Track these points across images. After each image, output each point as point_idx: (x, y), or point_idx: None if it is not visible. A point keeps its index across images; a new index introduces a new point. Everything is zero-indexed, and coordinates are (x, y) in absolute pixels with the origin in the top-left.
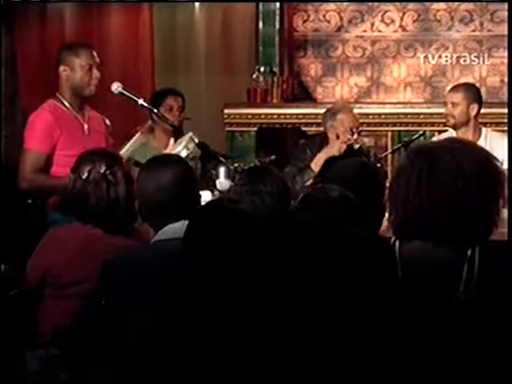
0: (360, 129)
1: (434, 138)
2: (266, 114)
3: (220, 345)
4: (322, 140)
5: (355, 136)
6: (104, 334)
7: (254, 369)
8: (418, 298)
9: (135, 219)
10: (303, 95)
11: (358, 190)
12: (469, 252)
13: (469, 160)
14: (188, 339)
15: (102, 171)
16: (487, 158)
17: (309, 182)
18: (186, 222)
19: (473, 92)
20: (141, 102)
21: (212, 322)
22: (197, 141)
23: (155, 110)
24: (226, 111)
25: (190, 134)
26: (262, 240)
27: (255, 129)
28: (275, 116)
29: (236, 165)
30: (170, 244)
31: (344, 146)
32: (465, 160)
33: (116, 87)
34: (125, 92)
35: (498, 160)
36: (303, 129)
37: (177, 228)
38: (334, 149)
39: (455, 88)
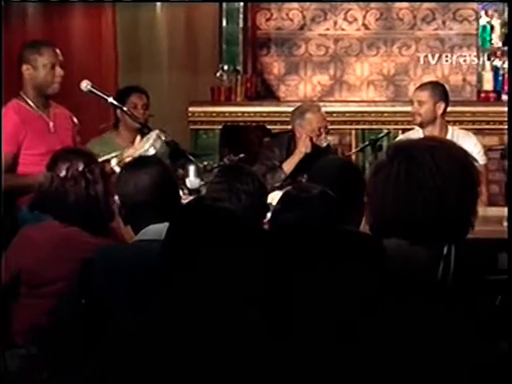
0: (328, 128)
1: (401, 137)
2: (230, 112)
3: (201, 344)
4: (289, 139)
5: (323, 135)
6: (85, 333)
7: (237, 368)
8: (395, 296)
9: (112, 218)
10: (266, 93)
11: (339, 189)
12: (445, 250)
13: (447, 159)
14: (170, 339)
15: (80, 169)
16: (465, 157)
17: (277, 184)
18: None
19: (439, 90)
20: (110, 99)
21: (196, 322)
22: (164, 138)
23: (124, 108)
24: (190, 109)
25: (157, 131)
26: (247, 239)
27: (219, 127)
28: (239, 114)
29: (205, 163)
30: (152, 245)
31: (309, 143)
32: (443, 159)
33: (85, 85)
34: (94, 90)
35: (475, 159)
36: (268, 127)
37: (159, 229)
38: (302, 149)
39: (422, 86)
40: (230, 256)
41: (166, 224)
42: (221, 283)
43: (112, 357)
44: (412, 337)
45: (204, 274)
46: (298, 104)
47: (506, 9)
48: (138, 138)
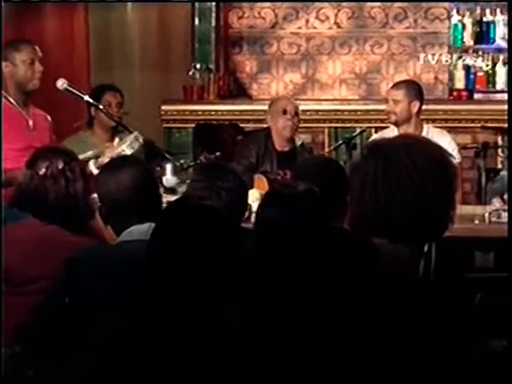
0: (299, 113)
1: (376, 135)
2: (203, 111)
3: (187, 343)
4: (266, 136)
5: (289, 116)
6: (69, 332)
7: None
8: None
9: (92, 216)
10: (238, 92)
11: (323, 187)
12: (425, 248)
13: (424, 156)
14: (157, 338)
15: (60, 167)
16: (442, 155)
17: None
18: (153, 224)
19: (414, 89)
20: (86, 98)
21: (185, 321)
22: (141, 140)
23: (100, 106)
24: (163, 108)
25: (135, 133)
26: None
27: (192, 125)
28: (212, 112)
29: (182, 161)
30: (136, 245)
31: (287, 131)
32: (420, 156)
33: (61, 84)
34: (70, 88)
35: (452, 156)
36: (240, 125)
37: (142, 230)
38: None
39: (397, 85)
40: (218, 254)
41: (150, 224)
42: (208, 281)
43: (98, 356)
44: (399, 335)
45: (191, 273)
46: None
47: (478, 7)
48: (117, 139)
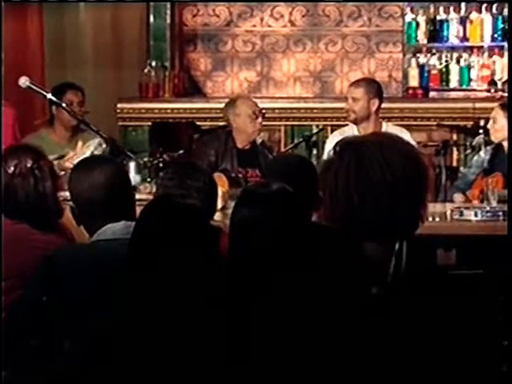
0: (263, 112)
1: (335, 133)
2: (160, 109)
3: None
4: (227, 134)
5: (260, 119)
6: (49, 331)
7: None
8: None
9: (61, 215)
10: (193, 90)
11: (295, 185)
12: (396, 246)
13: (396, 154)
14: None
15: (28, 165)
16: (414, 153)
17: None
18: (128, 223)
19: (373, 87)
20: (49, 96)
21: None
22: (104, 146)
23: (63, 105)
24: (119, 106)
25: (98, 139)
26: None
27: (148, 123)
28: (168, 111)
29: (145, 159)
30: (111, 244)
31: (256, 135)
32: (392, 154)
33: (24, 81)
34: (32, 86)
35: (424, 154)
36: (197, 123)
37: (116, 228)
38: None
39: (356, 83)
40: (201, 253)
41: (124, 223)
42: (191, 281)
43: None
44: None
45: (174, 272)
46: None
47: (432, 6)
48: (80, 144)
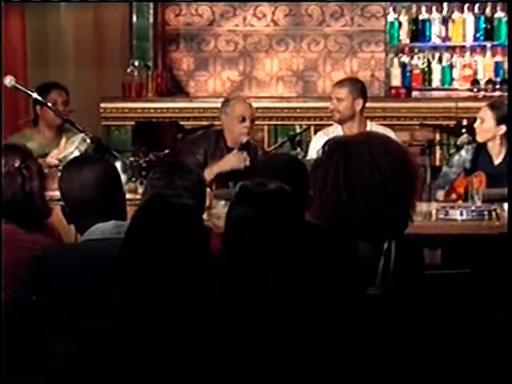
0: (254, 119)
1: (320, 133)
2: (143, 108)
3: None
4: (218, 134)
5: (247, 123)
6: (37, 331)
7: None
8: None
9: (48, 214)
10: (176, 89)
11: (289, 184)
12: (385, 246)
13: (385, 154)
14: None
15: (16, 165)
16: (403, 153)
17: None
18: (117, 222)
19: (357, 87)
20: (34, 95)
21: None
22: (89, 141)
23: (49, 104)
24: (102, 105)
25: (82, 134)
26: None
27: (132, 123)
28: (152, 110)
29: (131, 159)
30: (101, 244)
31: (236, 158)
32: (381, 154)
33: (9, 81)
34: (17, 85)
35: (413, 154)
36: (180, 123)
37: (106, 228)
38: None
39: (340, 83)
40: (198, 252)
41: (114, 222)
42: (186, 280)
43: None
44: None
45: (169, 272)
46: (211, 100)
47: (414, 5)
48: (64, 140)
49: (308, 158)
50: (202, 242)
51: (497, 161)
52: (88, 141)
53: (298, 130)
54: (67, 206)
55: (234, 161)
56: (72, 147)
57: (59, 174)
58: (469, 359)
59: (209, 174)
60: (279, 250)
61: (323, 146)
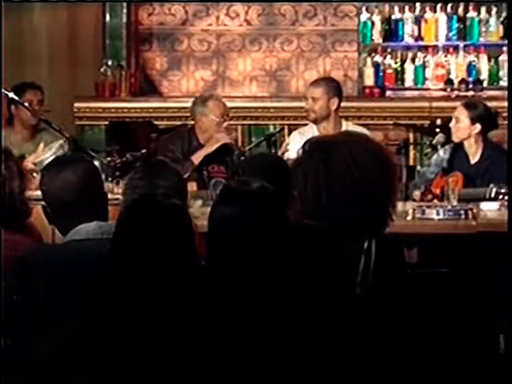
0: (230, 116)
1: (296, 132)
2: (116, 108)
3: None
4: (190, 131)
5: (225, 124)
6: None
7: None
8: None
9: (29, 214)
10: (149, 89)
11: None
12: (365, 245)
13: (365, 153)
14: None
15: None
16: (383, 152)
17: (187, 174)
18: (100, 223)
19: (333, 86)
20: (11, 95)
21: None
22: (67, 149)
23: (26, 104)
24: (75, 105)
25: (61, 141)
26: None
27: (105, 123)
28: (125, 110)
29: (109, 159)
30: (86, 244)
31: (224, 135)
32: (361, 153)
33: None
34: None
35: (392, 153)
36: (154, 122)
37: (90, 229)
38: (217, 140)
39: (315, 83)
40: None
41: (97, 223)
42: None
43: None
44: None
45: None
46: (185, 99)
47: (387, 5)
48: (42, 145)
49: (285, 157)
50: (192, 243)
51: (473, 160)
52: (66, 148)
53: (272, 130)
54: (49, 207)
55: (220, 138)
56: (49, 152)
57: (35, 175)
58: (454, 358)
59: (197, 158)
60: (263, 248)
61: (303, 146)
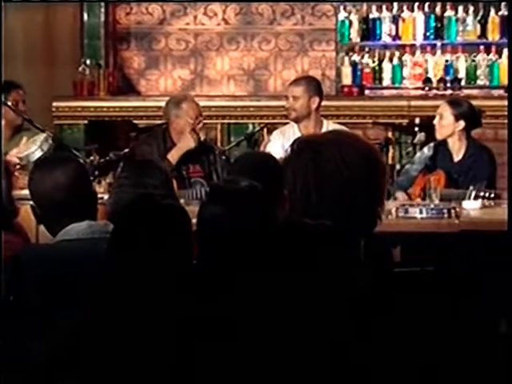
0: (203, 116)
1: (277, 131)
2: (95, 107)
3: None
4: (164, 132)
5: (201, 124)
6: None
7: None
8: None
9: (16, 214)
10: (127, 88)
11: (264, 183)
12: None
13: (354, 152)
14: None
15: None
16: (372, 151)
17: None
18: (91, 223)
19: (313, 85)
20: None
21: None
22: (51, 142)
23: (9, 103)
24: (54, 104)
25: (45, 134)
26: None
27: (84, 122)
28: (104, 109)
29: (92, 158)
30: (77, 244)
31: (196, 136)
32: (350, 152)
33: None
34: None
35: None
36: (134, 122)
37: (80, 228)
38: (188, 140)
39: (296, 82)
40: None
41: (87, 222)
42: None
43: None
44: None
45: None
46: (163, 98)
47: (364, 4)
48: (25, 139)
49: None
50: (189, 243)
51: (457, 158)
52: (50, 141)
53: (251, 129)
54: (39, 207)
55: (189, 141)
56: (34, 146)
57: (20, 173)
58: (440, 357)
59: (173, 158)
60: (252, 247)
61: (292, 145)
